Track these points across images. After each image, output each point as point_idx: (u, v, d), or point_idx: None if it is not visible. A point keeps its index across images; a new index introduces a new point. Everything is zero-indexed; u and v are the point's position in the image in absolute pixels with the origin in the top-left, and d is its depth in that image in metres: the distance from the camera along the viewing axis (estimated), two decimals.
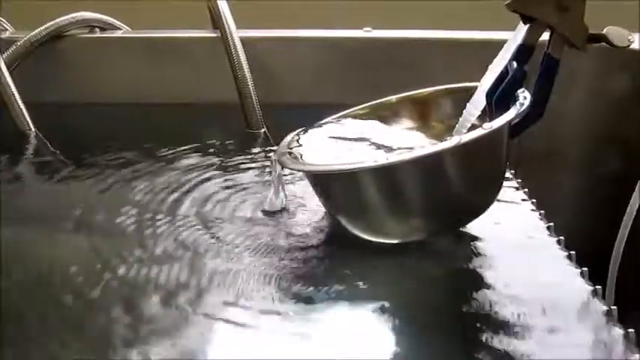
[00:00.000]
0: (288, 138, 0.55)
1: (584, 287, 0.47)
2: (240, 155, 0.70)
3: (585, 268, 0.48)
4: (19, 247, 0.53)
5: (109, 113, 0.81)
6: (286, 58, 0.83)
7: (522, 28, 0.51)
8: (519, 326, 0.44)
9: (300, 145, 0.54)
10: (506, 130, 0.49)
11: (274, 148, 0.59)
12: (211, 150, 0.71)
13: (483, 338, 0.43)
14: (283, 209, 0.57)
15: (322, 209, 0.55)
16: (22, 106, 0.78)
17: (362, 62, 0.82)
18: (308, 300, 0.46)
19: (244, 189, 0.62)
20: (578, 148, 0.80)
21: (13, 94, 0.78)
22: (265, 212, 0.57)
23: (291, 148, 0.53)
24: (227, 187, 0.62)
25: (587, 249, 0.52)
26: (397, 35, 0.84)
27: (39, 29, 0.82)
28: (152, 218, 0.57)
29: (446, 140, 0.47)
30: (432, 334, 0.43)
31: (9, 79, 0.78)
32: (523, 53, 0.50)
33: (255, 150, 0.73)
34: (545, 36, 0.51)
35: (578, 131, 0.80)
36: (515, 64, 0.50)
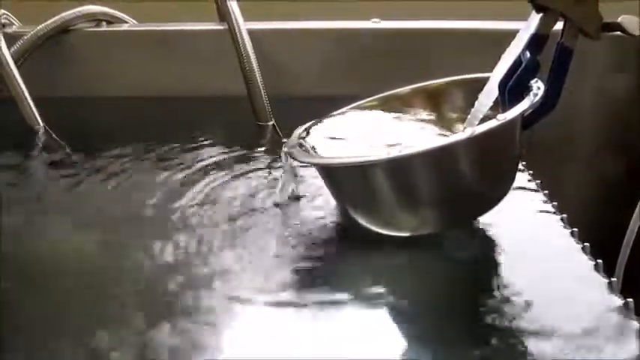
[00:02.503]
0: (299, 130, 0.54)
1: (599, 280, 0.46)
2: (249, 148, 0.69)
3: (600, 261, 0.48)
4: (29, 242, 0.53)
5: (117, 107, 0.81)
6: (294, 50, 0.83)
7: (535, 17, 0.50)
8: (534, 321, 0.43)
9: (311, 138, 0.53)
10: (519, 121, 0.48)
11: (283, 140, 0.59)
12: (220, 143, 0.70)
13: (497, 333, 0.42)
14: (293, 201, 0.56)
15: (333, 202, 0.55)
16: (30, 101, 0.77)
17: (370, 54, 0.82)
18: (318, 293, 0.46)
19: (254, 181, 0.61)
20: (590, 138, 0.80)
21: (22, 89, 0.77)
22: (275, 204, 0.56)
23: (301, 141, 0.52)
24: (236, 180, 0.62)
25: (599, 240, 0.51)
26: (405, 26, 0.84)
27: (45, 23, 0.81)
28: (162, 211, 0.56)
29: (458, 131, 0.46)
30: (444, 328, 0.43)
31: (17, 74, 0.78)
32: (536, 43, 0.50)
33: (264, 142, 0.73)
34: (559, 25, 0.50)
35: (589, 122, 0.79)
36: (528, 53, 0.50)
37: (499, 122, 0.45)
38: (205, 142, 0.71)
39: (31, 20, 0.84)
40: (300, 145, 0.52)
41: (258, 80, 0.77)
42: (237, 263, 0.49)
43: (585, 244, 0.50)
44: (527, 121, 0.50)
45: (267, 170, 0.64)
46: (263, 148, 0.70)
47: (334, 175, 0.51)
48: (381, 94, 0.58)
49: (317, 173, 0.55)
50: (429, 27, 0.83)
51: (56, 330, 0.43)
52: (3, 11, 0.84)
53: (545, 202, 0.57)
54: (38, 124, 0.77)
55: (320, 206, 0.56)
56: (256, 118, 0.78)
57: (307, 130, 0.54)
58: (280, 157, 0.56)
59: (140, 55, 0.84)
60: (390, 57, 0.81)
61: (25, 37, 0.80)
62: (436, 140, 0.48)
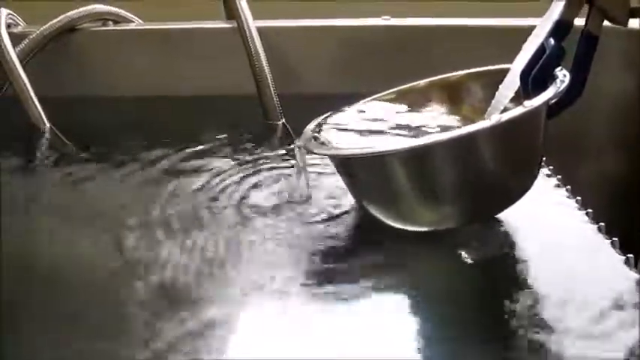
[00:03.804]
0: (313, 123, 0.53)
1: (630, 275, 0.45)
2: (260, 147, 0.68)
3: (631, 255, 0.46)
4: (33, 242, 0.52)
5: (124, 107, 0.79)
6: (304, 48, 0.81)
7: (558, 4, 0.49)
8: (559, 319, 0.42)
9: (326, 131, 0.52)
10: (545, 110, 0.47)
11: (295, 140, 0.57)
12: (229, 142, 0.69)
13: (520, 330, 0.41)
14: (307, 198, 0.55)
15: (349, 197, 0.53)
16: (35, 100, 0.76)
17: (381, 51, 0.80)
18: (334, 290, 0.44)
19: (265, 179, 0.60)
20: (609, 130, 0.78)
21: (27, 89, 0.76)
22: (289, 201, 0.55)
23: (316, 134, 0.51)
24: (248, 179, 0.61)
25: (625, 235, 0.49)
26: (416, 23, 0.82)
27: (51, 22, 0.80)
28: (171, 211, 0.55)
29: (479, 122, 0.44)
30: (465, 326, 0.42)
31: (22, 74, 0.76)
32: (561, 30, 0.48)
33: (275, 141, 0.71)
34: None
35: (607, 113, 0.77)
36: (552, 41, 0.48)
37: (526, 109, 0.43)
38: (214, 142, 0.69)
39: (36, 22, 0.83)
40: (315, 139, 0.50)
41: (269, 79, 0.76)
42: (251, 261, 0.48)
43: (614, 238, 0.48)
44: (551, 110, 0.48)
45: (279, 168, 0.62)
46: (274, 147, 0.69)
47: (351, 167, 0.49)
48: (398, 88, 0.57)
49: (331, 168, 0.53)
50: (439, 24, 0.82)
51: (64, 330, 0.42)
52: (8, 11, 0.82)
53: (567, 197, 0.55)
54: (44, 123, 0.76)
55: (335, 202, 0.54)
56: (266, 117, 0.77)
57: (322, 124, 0.53)
58: (294, 151, 0.54)
59: (147, 54, 0.82)
60: (401, 55, 0.79)
61: (31, 37, 0.79)
62: (458, 129, 0.46)
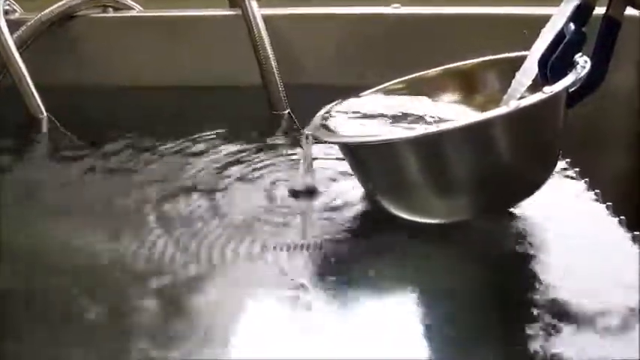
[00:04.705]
0: (322, 111, 0.51)
1: None
2: (265, 137, 0.66)
3: None
4: (32, 231, 0.51)
5: (124, 96, 0.78)
6: (311, 37, 0.79)
7: None
8: (576, 315, 0.40)
9: (335, 120, 0.50)
10: (564, 97, 0.45)
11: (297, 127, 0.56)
12: (234, 133, 0.67)
13: (534, 326, 0.39)
14: (315, 188, 0.53)
15: (358, 187, 0.51)
16: (33, 88, 0.75)
17: (390, 41, 0.78)
18: (341, 286, 0.43)
19: (271, 170, 0.58)
20: (627, 123, 0.76)
21: (24, 77, 0.75)
22: (295, 192, 0.53)
23: (325, 122, 0.49)
24: (253, 169, 0.59)
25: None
26: (427, 12, 0.80)
27: (50, 9, 0.79)
28: (172, 202, 0.54)
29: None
30: (479, 320, 0.40)
31: (20, 61, 0.75)
32: (581, 14, 0.46)
33: (280, 131, 0.70)
34: None
35: (626, 106, 0.75)
36: (572, 26, 0.46)
37: (545, 95, 0.41)
38: (218, 133, 0.67)
39: (34, 8, 0.81)
40: (324, 126, 0.48)
41: (274, 68, 0.74)
42: (255, 254, 0.46)
43: (635, 232, 0.46)
44: (571, 98, 0.46)
45: (285, 159, 0.61)
46: (279, 137, 0.67)
47: (361, 155, 0.47)
48: (410, 76, 0.55)
49: (338, 160, 0.52)
50: (450, 13, 0.80)
51: (57, 323, 0.41)
52: None
53: (586, 190, 0.53)
54: (41, 113, 0.75)
55: (342, 192, 0.53)
56: (271, 107, 0.75)
57: (330, 112, 0.51)
58: (300, 141, 0.53)
59: (148, 42, 0.81)
60: (412, 44, 0.77)
61: (29, 23, 0.77)
62: (474, 116, 0.44)
